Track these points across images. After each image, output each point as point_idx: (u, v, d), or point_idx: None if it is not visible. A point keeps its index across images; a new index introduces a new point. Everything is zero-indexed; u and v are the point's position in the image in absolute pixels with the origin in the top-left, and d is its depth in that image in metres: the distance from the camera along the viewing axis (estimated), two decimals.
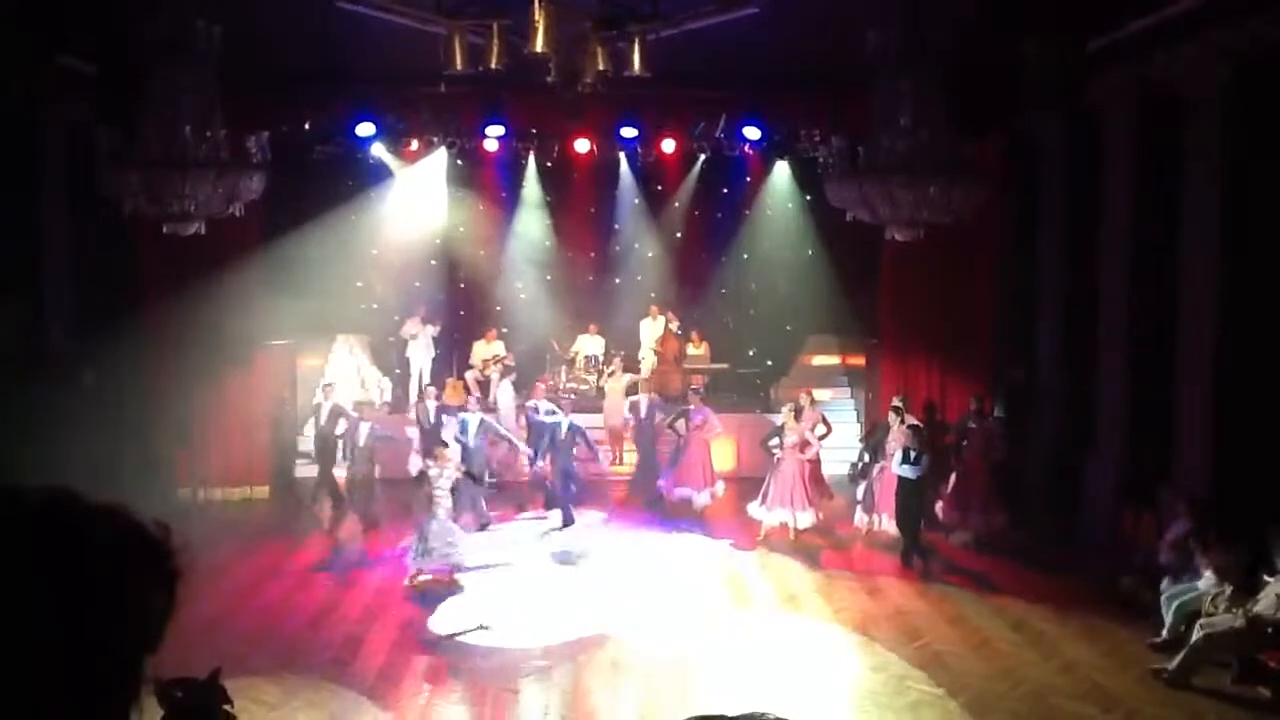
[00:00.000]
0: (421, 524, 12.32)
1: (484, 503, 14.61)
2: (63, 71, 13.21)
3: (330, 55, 13.78)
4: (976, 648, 10.57)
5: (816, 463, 14.58)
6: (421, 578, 12.25)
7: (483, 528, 14.22)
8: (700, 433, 15.10)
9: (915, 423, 13.70)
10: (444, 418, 14.85)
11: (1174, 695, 9.36)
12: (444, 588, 12.14)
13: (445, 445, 13.36)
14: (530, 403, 15.58)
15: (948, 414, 15.77)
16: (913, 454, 12.98)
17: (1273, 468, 10.62)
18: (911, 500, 13.11)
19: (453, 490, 12.49)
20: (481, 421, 14.65)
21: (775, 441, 14.21)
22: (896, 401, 14.43)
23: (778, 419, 15.07)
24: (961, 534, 14.03)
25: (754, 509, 14.16)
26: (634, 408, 16.05)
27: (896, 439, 13.56)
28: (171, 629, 1.39)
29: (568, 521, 14.63)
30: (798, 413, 14.35)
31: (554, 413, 14.89)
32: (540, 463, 14.87)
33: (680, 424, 15.22)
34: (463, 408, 15.20)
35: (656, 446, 15.93)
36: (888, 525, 13.67)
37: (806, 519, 13.90)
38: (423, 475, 12.62)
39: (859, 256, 16.46)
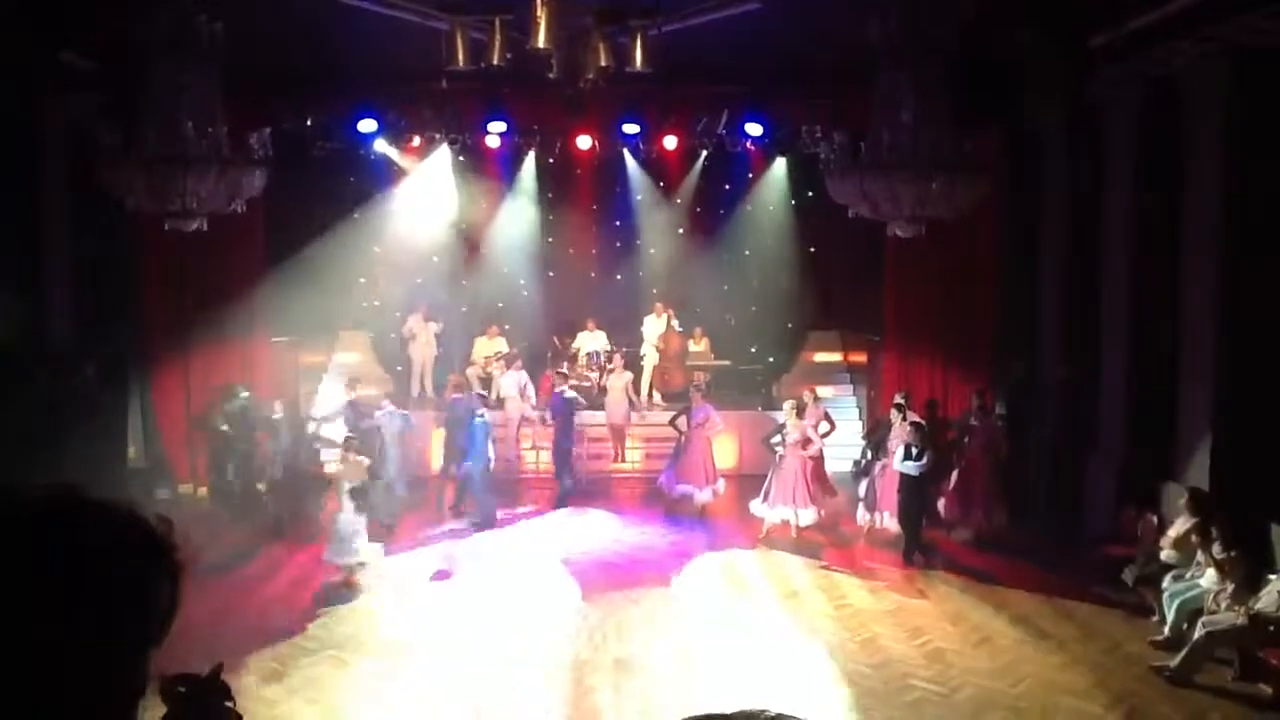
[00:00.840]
0: (329, 523, 12.26)
1: (395, 505, 14.25)
2: (64, 68, 13.21)
3: (332, 51, 13.76)
4: (978, 645, 10.57)
5: (819, 460, 14.58)
6: (337, 575, 12.11)
7: (388, 529, 13.67)
8: (702, 430, 15.09)
9: (917, 420, 13.70)
10: (360, 416, 14.46)
11: (1176, 692, 9.36)
12: (345, 588, 12.02)
13: (355, 442, 12.93)
14: (454, 396, 15.32)
15: (950, 410, 15.77)
16: (914, 451, 12.99)
17: (1274, 465, 10.61)
18: (913, 497, 13.11)
19: (357, 490, 12.27)
20: (405, 418, 14.59)
21: (777, 439, 14.21)
22: (899, 398, 14.42)
23: (780, 416, 15.06)
24: (963, 531, 14.03)
25: (756, 506, 14.15)
26: (540, 404, 15.82)
27: (898, 436, 13.56)
28: (174, 625, 1.39)
29: (489, 523, 14.37)
30: (800, 410, 14.34)
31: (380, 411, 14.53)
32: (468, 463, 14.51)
33: (682, 421, 15.21)
34: (376, 406, 14.83)
35: (567, 442, 15.86)
36: (889, 523, 13.65)
37: (808, 516, 13.90)
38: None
39: (861, 253, 16.46)
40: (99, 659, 1.30)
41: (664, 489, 15.30)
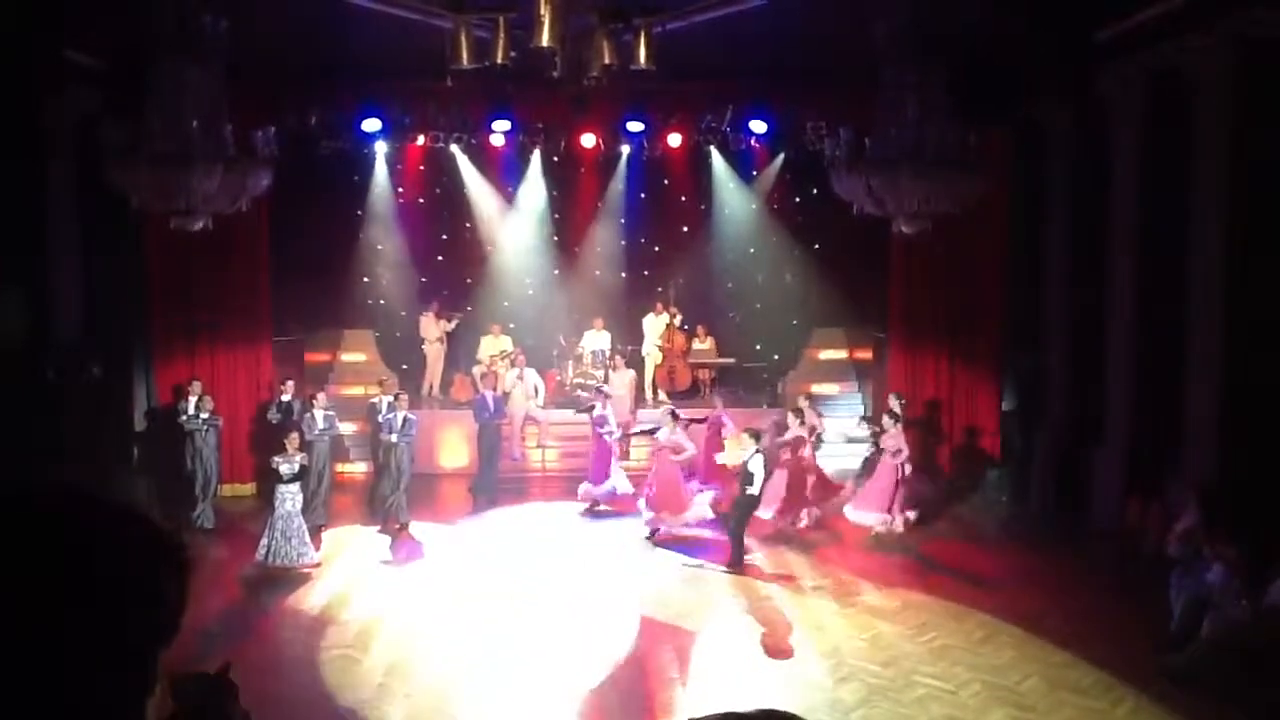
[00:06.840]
0: (269, 518, 12.30)
1: (322, 507, 14.22)
2: (69, 66, 13.22)
3: (336, 50, 13.77)
4: (983, 641, 10.56)
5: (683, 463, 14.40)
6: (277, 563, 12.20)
7: (317, 529, 13.50)
8: (664, 454, 14.33)
9: (755, 429, 13.53)
10: (303, 411, 14.57)
11: (1182, 689, 9.34)
12: (288, 580, 12.10)
13: (297, 436, 13.05)
14: (376, 398, 15.28)
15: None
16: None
17: None
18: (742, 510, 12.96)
19: (295, 478, 12.40)
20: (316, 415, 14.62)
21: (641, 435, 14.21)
22: (894, 403, 14.58)
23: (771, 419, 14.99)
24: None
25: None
26: (482, 403, 15.67)
27: (894, 439, 13.73)
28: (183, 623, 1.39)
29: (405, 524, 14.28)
30: (676, 417, 14.25)
31: (393, 411, 14.50)
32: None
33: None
34: (311, 399, 14.89)
35: (499, 445, 15.93)
36: (896, 521, 13.73)
37: (682, 520, 13.79)
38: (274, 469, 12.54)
39: (866, 250, 16.43)
40: (106, 658, 1.30)
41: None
